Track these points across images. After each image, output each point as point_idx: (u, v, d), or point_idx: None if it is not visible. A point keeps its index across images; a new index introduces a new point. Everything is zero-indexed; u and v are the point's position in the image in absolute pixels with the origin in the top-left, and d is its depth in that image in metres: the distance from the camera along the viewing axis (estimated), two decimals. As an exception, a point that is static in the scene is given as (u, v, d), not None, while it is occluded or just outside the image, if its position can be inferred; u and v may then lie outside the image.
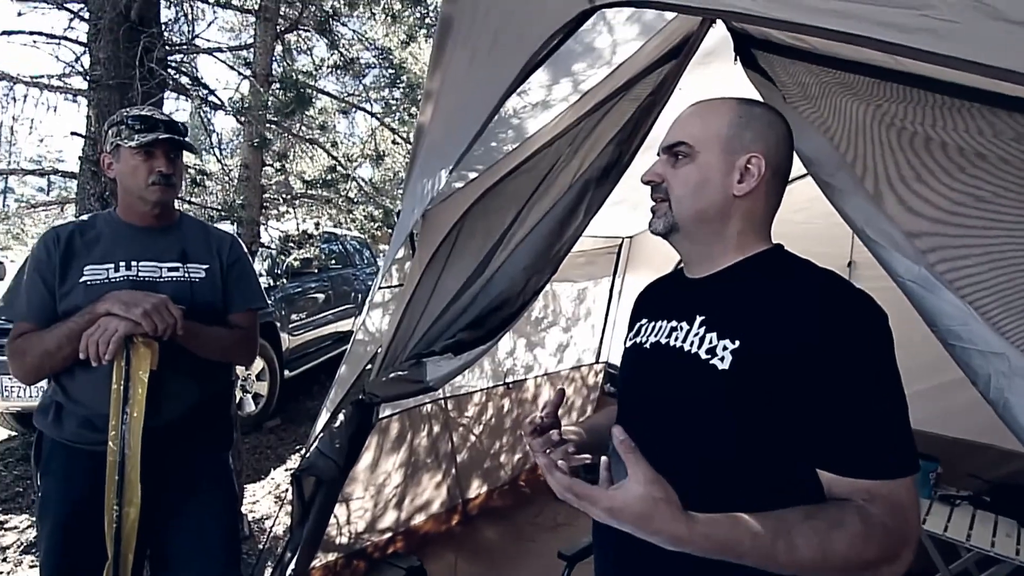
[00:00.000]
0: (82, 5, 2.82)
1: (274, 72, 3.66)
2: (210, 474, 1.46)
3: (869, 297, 0.69)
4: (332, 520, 2.05)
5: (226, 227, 2.98)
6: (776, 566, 0.60)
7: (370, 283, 5.82)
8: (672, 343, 0.79)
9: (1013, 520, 1.98)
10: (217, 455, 1.51)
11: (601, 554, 0.85)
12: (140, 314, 1.19)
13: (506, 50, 1.06)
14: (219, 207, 3.42)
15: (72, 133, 2.60)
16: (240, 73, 3.66)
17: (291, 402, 4.71)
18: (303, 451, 1.73)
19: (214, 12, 3.75)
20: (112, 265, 1.33)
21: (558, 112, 1.45)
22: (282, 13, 3.65)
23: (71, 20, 3.03)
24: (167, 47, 2.77)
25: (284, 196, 3.95)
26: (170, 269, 1.38)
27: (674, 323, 0.80)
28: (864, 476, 0.64)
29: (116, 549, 1.27)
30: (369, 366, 1.69)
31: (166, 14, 3.20)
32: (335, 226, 5.16)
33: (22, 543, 2.66)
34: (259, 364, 4.19)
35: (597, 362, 3.59)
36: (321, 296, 5.29)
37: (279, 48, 3.87)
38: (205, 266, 1.43)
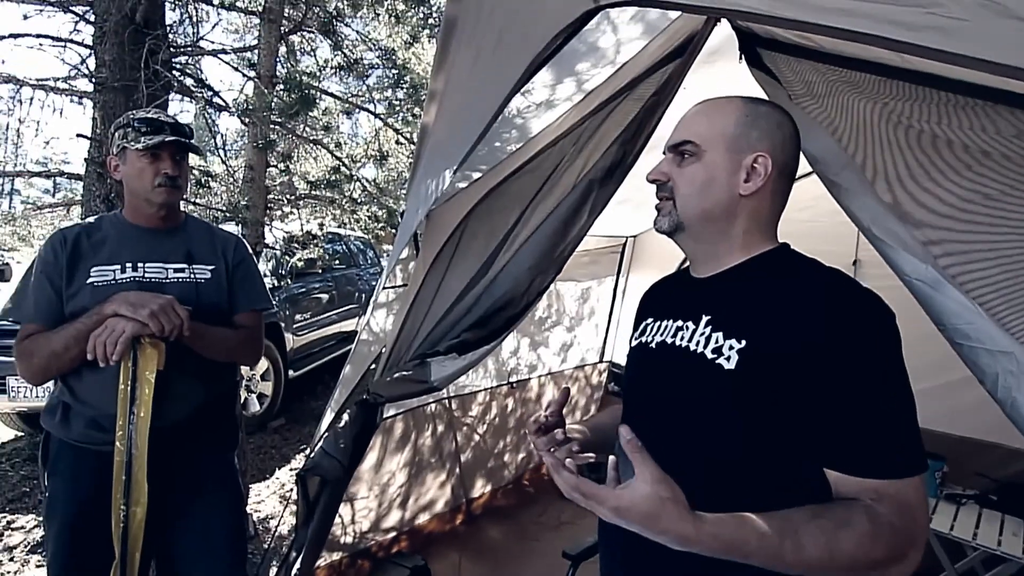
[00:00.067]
0: (87, 8, 2.84)
1: (278, 73, 3.67)
2: (216, 474, 1.46)
3: (876, 296, 0.69)
4: (337, 520, 2.05)
5: (231, 228, 3.00)
6: (783, 566, 0.60)
7: (374, 283, 5.84)
8: (678, 343, 0.79)
9: (1020, 519, 1.97)
10: (223, 455, 1.51)
11: (607, 553, 0.85)
12: (147, 315, 1.20)
13: (510, 50, 1.06)
14: (224, 208, 3.43)
15: (78, 135, 2.62)
16: (244, 74, 3.68)
17: (295, 402, 4.72)
18: (307, 451, 1.73)
19: (218, 14, 3.76)
20: (119, 266, 1.34)
21: (562, 112, 1.45)
22: (286, 15, 3.66)
23: (76, 23, 3.05)
24: (172, 49, 2.78)
25: (288, 197, 3.96)
26: (176, 270, 1.39)
27: (680, 322, 0.80)
28: (871, 475, 0.64)
29: (123, 549, 1.27)
30: (373, 366, 1.69)
31: (171, 16, 3.21)
32: (339, 226, 5.17)
33: (29, 543, 2.68)
34: (263, 364, 4.20)
35: (601, 361, 3.59)
36: (325, 296, 5.31)
37: (283, 49, 3.88)
38: (211, 267, 1.44)
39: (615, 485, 0.61)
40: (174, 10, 3.38)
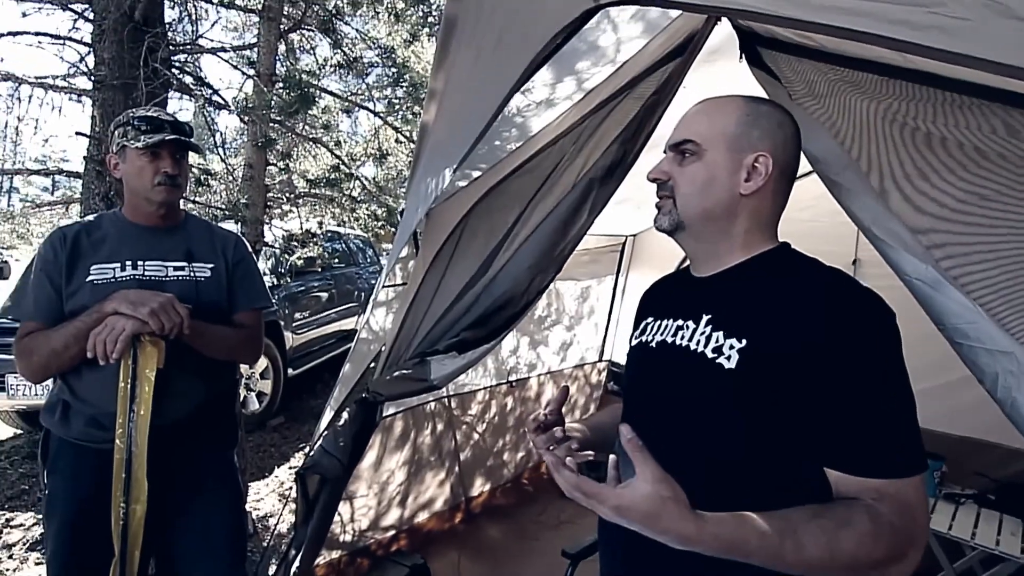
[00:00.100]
0: (86, 6, 2.83)
1: (278, 71, 3.66)
2: (216, 472, 1.46)
3: (876, 296, 0.69)
4: (336, 518, 2.05)
5: (230, 226, 2.99)
6: (784, 565, 0.60)
7: (373, 282, 5.84)
8: (678, 342, 0.79)
9: (1018, 519, 1.98)
10: (222, 453, 1.51)
11: (608, 552, 0.85)
12: (147, 313, 1.20)
13: (510, 49, 1.06)
14: (223, 206, 3.43)
15: (77, 133, 2.61)
16: (244, 73, 3.68)
17: (295, 400, 4.72)
18: (307, 449, 1.73)
19: (218, 12, 3.76)
20: (118, 264, 1.33)
21: (562, 111, 1.45)
22: (285, 13, 3.66)
23: (75, 21, 3.05)
24: (171, 47, 2.77)
25: (288, 195, 3.96)
26: (176, 268, 1.39)
27: (680, 322, 0.80)
28: (871, 475, 0.64)
29: (122, 547, 1.27)
30: (373, 364, 1.69)
31: (170, 14, 3.21)
32: (338, 225, 5.16)
33: (27, 540, 2.68)
34: (263, 362, 4.20)
35: (600, 360, 3.59)
36: (324, 295, 5.31)
37: (282, 47, 3.88)
38: (210, 265, 1.44)
39: (616, 484, 0.61)
40: (173, 8, 3.37)
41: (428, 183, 1.35)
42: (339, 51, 4.02)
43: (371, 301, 1.79)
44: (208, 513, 1.41)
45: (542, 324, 3.13)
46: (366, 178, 4.57)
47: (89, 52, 2.84)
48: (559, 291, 3.15)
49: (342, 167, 3.91)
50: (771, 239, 0.80)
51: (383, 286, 1.79)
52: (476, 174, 1.54)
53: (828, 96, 0.96)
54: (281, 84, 3.53)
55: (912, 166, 0.88)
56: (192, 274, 1.40)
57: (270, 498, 3.23)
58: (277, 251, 4.25)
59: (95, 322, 1.21)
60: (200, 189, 3.47)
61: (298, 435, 4.14)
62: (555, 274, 1.42)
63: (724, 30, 1.17)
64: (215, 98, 3.21)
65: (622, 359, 3.50)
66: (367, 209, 3.95)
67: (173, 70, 2.77)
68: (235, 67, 3.73)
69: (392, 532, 2.47)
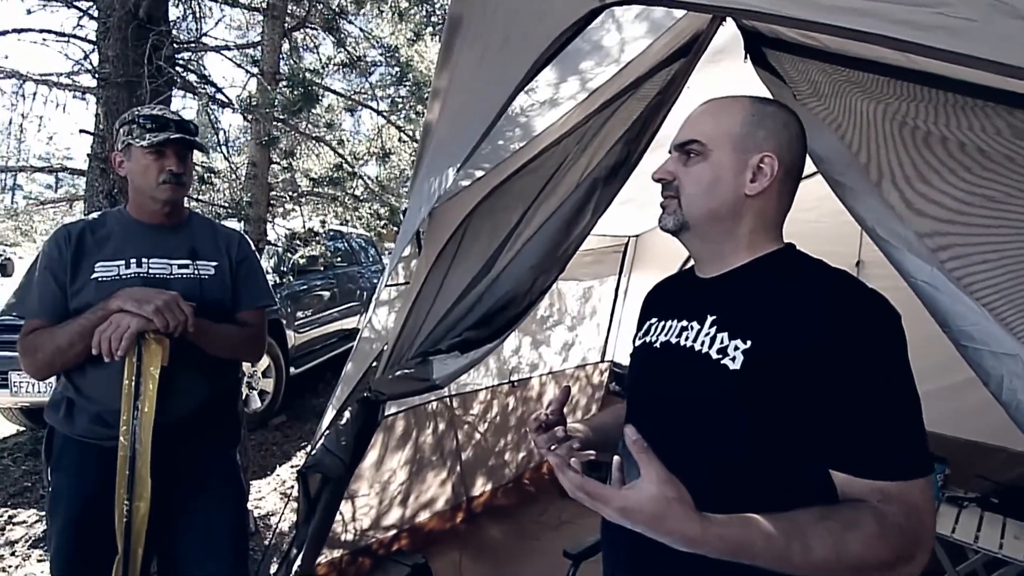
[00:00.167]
0: (91, 3, 2.84)
1: (281, 70, 3.67)
2: (219, 471, 1.47)
3: (880, 297, 0.69)
4: (337, 517, 2.05)
5: (233, 225, 3.00)
6: (790, 567, 0.59)
7: (375, 281, 5.84)
8: (683, 343, 0.78)
9: (1022, 522, 1.97)
10: (225, 451, 1.52)
11: (611, 553, 0.85)
12: (152, 311, 1.20)
13: (514, 48, 1.06)
14: (226, 205, 3.44)
15: (81, 131, 2.62)
16: (247, 71, 3.69)
17: (297, 399, 4.73)
18: (309, 448, 1.74)
19: (222, 10, 3.77)
20: (123, 262, 1.34)
21: (566, 111, 1.45)
22: (289, 11, 3.67)
23: (80, 18, 3.06)
24: (175, 45, 2.78)
25: (291, 194, 3.97)
26: (180, 266, 1.39)
27: (684, 322, 0.80)
28: (877, 477, 0.64)
29: (126, 544, 1.28)
30: (375, 364, 1.69)
31: (174, 12, 3.22)
32: (341, 224, 5.17)
33: (30, 537, 2.69)
34: (265, 361, 4.20)
35: (602, 361, 3.59)
36: (327, 294, 5.31)
37: (286, 46, 3.89)
38: (214, 263, 1.44)
39: (620, 486, 0.61)
40: (177, 6, 3.38)
41: (431, 182, 1.35)
42: (343, 50, 4.03)
43: (373, 300, 1.79)
44: (211, 511, 1.42)
45: (544, 324, 3.13)
46: (369, 177, 4.58)
47: (93, 49, 2.85)
48: (561, 291, 3.15)
49: (345, 166, 3.92)
50: (776, 240, 0.80)
51: (386, 285, 1.79)
52: (479, 174, 1.54)
53: (832, 96, 0.96)
54: (285, 82, 3.54)
55: (915, 167, 0.87)
56: (196, 272, 1.40)
57: (272, 497, 3.24)
58: (280, 250, 4.26)
59: (100, 319, 1.22)
60: (203, 187, 3.48)
61: (300, 434, 4.15)
62: (558, 274, 1.42)
63: (729, 30, 1.17)
64: (219, 96, 3.22)
65: (624, 360, 3.50)
66: (370, 208, 3.96)
67: (177, 68, 2.77)
68: (239, 65, 3.74)
69: (393, 531, 2.47)
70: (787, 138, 0.77)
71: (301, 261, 4.22)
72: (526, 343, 3.07)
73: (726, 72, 1.32)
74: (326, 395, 3.44)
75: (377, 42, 4.59)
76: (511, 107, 1.14)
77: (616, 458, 0.64)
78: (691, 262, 0.89)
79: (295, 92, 3.33)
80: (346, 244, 5.93)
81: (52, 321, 1.29)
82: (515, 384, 3.03)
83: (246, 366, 3.73)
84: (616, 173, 1.31)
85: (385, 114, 4.60)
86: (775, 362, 0.68)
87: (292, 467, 3.59)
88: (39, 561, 2.51)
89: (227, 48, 3.55)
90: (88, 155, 2.58)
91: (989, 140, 0.80)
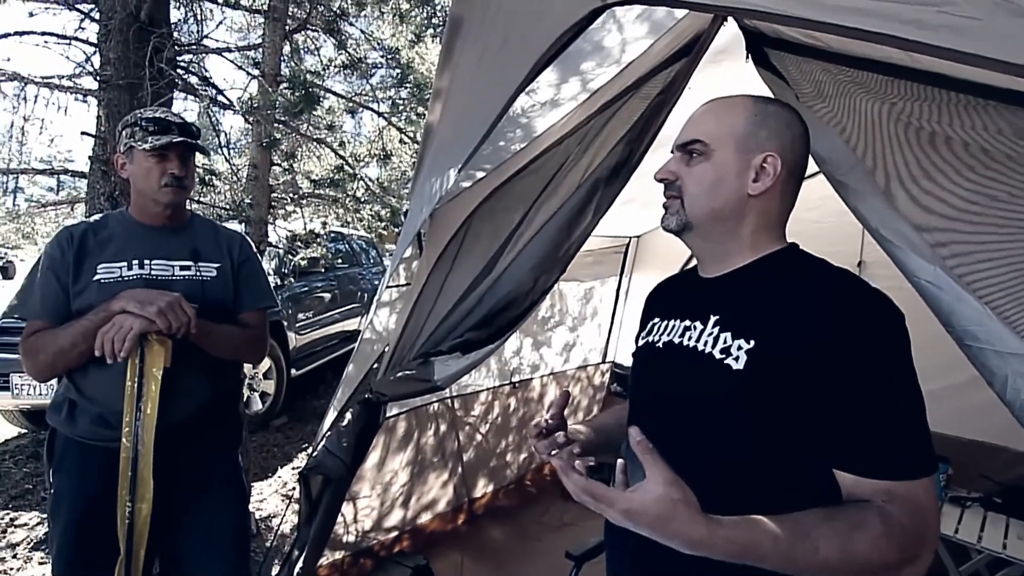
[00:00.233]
0: (93, 6, 2.85)
1: (282, 72, 3.68)
2: (221, 472, 1.47)
3: (884, 296, 0.69)
4: (339, 518, 2.05)
5: (234, 226, 3.00)
6: (797, 569, 0.59)
7: (376, 282, 5.84)
8: (686, 342, 0.78)
9: (1025, 522, 1.96)
10: (227, 453, 1.52)
11: (616, 556, 0.85)
12: (155, 312, 1.20)
13: (515, 49, 1.06)
14: (227, 206, 3.44)
15: (82, 133, 2.63)
16: (249, 73, 3.70)
17: (298, 401, 4.72)
18: (310, 450, 1.73)
19: (223, 12, 3.78)
20: (125, 263, 1.34)
21: (567, 111, 1.44)
22: (290, 13, 3.67)
23: (82, 21, 3.07)
24: (176, 47, 2.79)
25: (292, 195, 3.97)
26: (182, 268, 1.39)
27: (687, 322, 0.80)
28: (880, 476, 0.64)
29: (128, 545, 1.27)
30: (376, 365, 1.69)
31: (175, 14, 3.23)
32: (342, 225, 5.18)
33: (32, 540, 2.69)
34: (266, 363, 4.21)
35: (604, 362, 3.58)
36: (328, 295, 5.31)
37: (287, 48, 3.90)
38: (216, 265, 1.44)
39: (623, 489, 0.61)
40: (179, 8, 3.39)
41: (432, 183, 1.35)
42: (343, 52, 4.04)
43: (375, 302, 1.79)
44: (213, 513, 1.42)
45: (545, 325, 3.12)
46: (370, 179, 4.59)
47: (95, 52, 2.86)
48: (563, 292, 3.15)
49: (346, 167, 3.92)
50: (779, 239, 0.80)
51: (387, 286, 1.79)
52: (480, 175, 1.54)
53: (835, 96, 0.96)
54: (286, 84, 3.55)
55: (919, 167, 0.87)
56: (198, 273, 1.40)
57: (273, 498, 3.23)
58: (281, 251, 4.26)
59: (102, 321, 1.22)
60: (205, 189, 3.49)
61: (301, 435, 4.14)
62: (559, 275, 1.42)
63: (730, 30, 1.17)
64: (220, 98, 3.23)
65: (626, 361, 3.49)
66: (371, 209, 3.97)
67: (178, 70, 2.78)
68: (240, 67, 3.75)
69: (395, 533, 2.47)
70: (790, 138, 0.77)
71: (302, 263, 4.22)
72: (527, 344, 3.06)
73: (728, 72, 1.32)
74: (327, 397, 3.44)
75: (378, 44, 4.61)
76: (512, 108, 1.14)
77: (620, 461, 0.64)
78: (693, 262, 0.89)
79: (296, 94, 3.33)
80: (347, 246, 5.93)
81: (54, 323, 1.29)
82: (516, 385, 3.03)
83: (247, 368, 3.73)
84: (617, 174, 1.31)
85: (386, 116, 4.61)
86: (778, 362, 0.68)
87: (293, 468, 3.59)
88: (41, 564, 2.51)
89: (228, 50, 3.56)
90: (90, 157, 2.58)
91: (993, 140, 0.80)
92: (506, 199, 1.47)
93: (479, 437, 2.86)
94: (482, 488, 2.90)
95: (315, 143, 4.05)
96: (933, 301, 0.83)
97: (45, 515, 2.39)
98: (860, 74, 0.92)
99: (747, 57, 1.09)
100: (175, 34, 2.94)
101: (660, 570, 0.74)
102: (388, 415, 2.24)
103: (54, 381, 1.36)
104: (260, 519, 2.92)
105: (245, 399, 3.99)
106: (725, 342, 0.72)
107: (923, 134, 0.87)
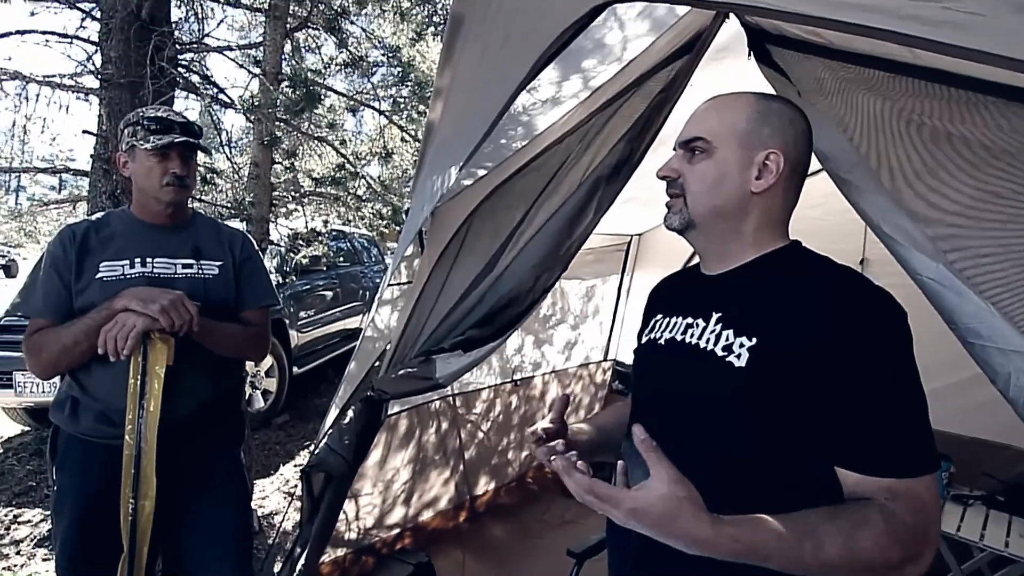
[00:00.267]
0: (94, 5, 2.85)
1: (283, 70, 3.68)
2: (223, 470, 1.47)
3: (886, 294, 0.69)
4: (341, 516, 2.06)
5: (236, 225, 3.01)
6: (801, 568, 0.59)
7: (378, 280, 5.85)
8: (688, 340, 0.78)
9: (1027, 520, 1.96)
10: (230, 450, 1.52)
11: (618, 555, 0.85)
12: (157, 310, 1.21)
13: (517, 47, 1.06)
14: (229, 205, 3.45)
15: (84, 131, 2.63)
16: (250, 71, 3.70)
17: (300, 398, 4.73)
18: (312, 447, 1.74)
19: (223, 10, 3.78)
20: (127, 262, 1.34)
21: (568, 109, 1.44)
22: (291, 11, 3.67)
23: (83, 19, 3.07)
24: (177, 46, 2.79)
25: (293, 194, 3.98)
26: (184, 266, 1.39)
27: (690, 320, 0.80)
28: (883, 474, 0.64)
29: (131, 542, 1.28)
30: (378, 363, 1.69)
31: (176, 13, 3.23)
32: (343, 224, 5.18)
33: (35, 536, 2.70)
34: (268, 361, 4.21)
35: (605, 360, 3.58)
36: (329, 293, 5.32)
37: (288, 46, 3.90)
38: (218, 263, 1.44)
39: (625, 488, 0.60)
40: (179, 7, 3.39)
41: (434, 181, 1.35)
42: (344, 50, 4.04)
43: (376, 300, 1.79)
44: (216, 510, 1.42)
45: (547, 323, 3.12)
46: (371, 177, 4.59)
47: (96, 51, 2.86)
48: (564, 290, 3.15)
49: (347, 166, 3.93)
50: (782, 237, 0.80)
51: (388, 284, 1.79)
52: (482, 173, 1.54)
53: (837, 93, 0.96)
54: (287, 83, 3.55)
55: (921, 163, 0.87)
56: (200, 271, 1.41)
57: (275, 496, 3.24)
58: (282, 249, 4.27)
59: (105, 319, 1.22)
60: (206, 187, 3.50)
61: (303, 433, 4.15)
62: (561, 273, 1.42)
63: (732, 27, 1.16)
64: (221, 96, 3.23)
65: (627, 358, 3.49)
66: (372, 208, 3.97)
67: (179, 68, 2.78)
68: (241, 66, 3.75)
69: (397, 530, 2.47)
70: (793, 135, 0.77)
71: (304, 261, 4.23)
72: (529, 342, 3.07)
73: (729, 70, 1.31)
74: (329, 394, 3.45)
75: (379, 42, 4.60)
76: (513, 106, 1.14)
77: (620, 463, 0.63)
78: (695, 260, 0.89)
79: (297, 92, 3.34)
80: (348, 244, 5.93)
81: (57, 321, 1.29)
82: (518, 383, 3.03)
83: (249, 366, 3.74)
84: (619, 171, 1.31)
85: (387, 114, 4.61)
86: (781, 359, 0.68)
87: (295, 466, 3.60)
88: (44, 560, 2.52)
89: (229, 49, 3.56)
90: (91, 156, 2.59)
91: (995, 136, 0.79)
92: (507, 197, 1.47)
93: (480, 435, 2.86)
94: (484, 486, 2.91)
95: (316, 141, 4.05)
96: (936, 298, 0.83)
97: (48, 512, 2.40)
98: (862, 71, 0.92)
99: (749, 54, 1.09)
100: (176, 32, 2.95)
101: (662, 568, 0.74)
102: (390, 413, 2.24)
103: (57, 379, 1.37)
104: (262, 516, 2.93)
105: (247, 397, 4.00)
106: (727, 339, 0.72)
107: (925, 130, 0.86)
